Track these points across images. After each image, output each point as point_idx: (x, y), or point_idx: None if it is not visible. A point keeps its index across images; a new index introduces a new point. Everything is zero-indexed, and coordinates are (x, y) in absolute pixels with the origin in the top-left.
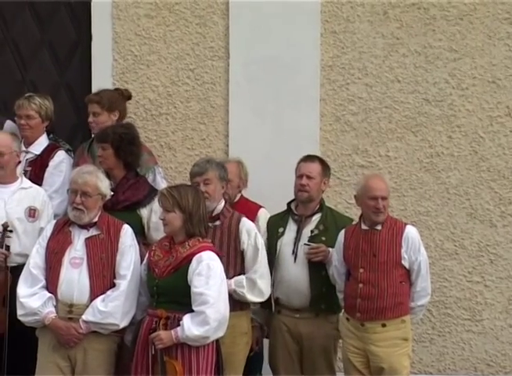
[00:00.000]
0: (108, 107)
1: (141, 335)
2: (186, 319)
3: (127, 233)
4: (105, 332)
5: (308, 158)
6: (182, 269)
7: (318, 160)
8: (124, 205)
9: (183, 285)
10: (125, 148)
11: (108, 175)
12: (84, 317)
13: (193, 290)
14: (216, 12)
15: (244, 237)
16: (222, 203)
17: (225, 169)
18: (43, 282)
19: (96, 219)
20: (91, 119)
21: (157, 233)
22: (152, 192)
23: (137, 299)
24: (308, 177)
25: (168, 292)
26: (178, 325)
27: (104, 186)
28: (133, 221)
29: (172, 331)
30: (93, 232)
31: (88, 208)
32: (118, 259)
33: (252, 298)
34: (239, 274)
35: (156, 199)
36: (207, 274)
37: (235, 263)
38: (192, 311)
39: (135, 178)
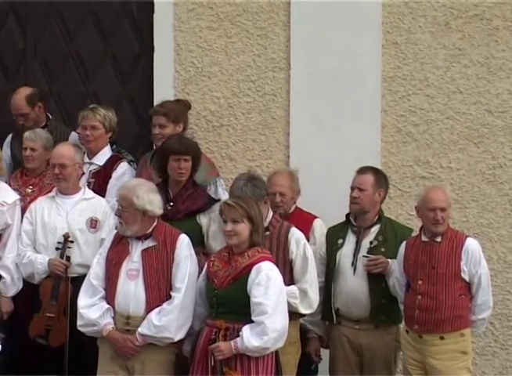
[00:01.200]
0: (174, 119)
1: (200, 346)
2: (246, 330)
3: (183, 243)
4: (161, 344)
5: (361, 170)
6: (241, 279)
7: (370, 172)
8: (185, 214)
9: (243, 295)
10: (199, 160)
11: (166, 187)
12: (139, 330)
13: (252, 300)
14: (277, 23)
15: (293, 247)
16: (271, 214)
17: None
18: (102, 293)
19: (150, 230)
20: (157, 131)
21: (215, 242)
22: (211, 200)
23: (194, 310)
24: (360, 189)
25: (228, 303)
26: (238, 336)
27: (141, 202)
28: (193, 229)
29: (232, 342)
30: (149, 243)
31: (127, 223)
32: (174, 271)
33: (302, 309)
34: (288, 284)
35: (214, 207)
36: (266, 284)
37: (284, 273)
38: (252, 321)
39: (193, 187)
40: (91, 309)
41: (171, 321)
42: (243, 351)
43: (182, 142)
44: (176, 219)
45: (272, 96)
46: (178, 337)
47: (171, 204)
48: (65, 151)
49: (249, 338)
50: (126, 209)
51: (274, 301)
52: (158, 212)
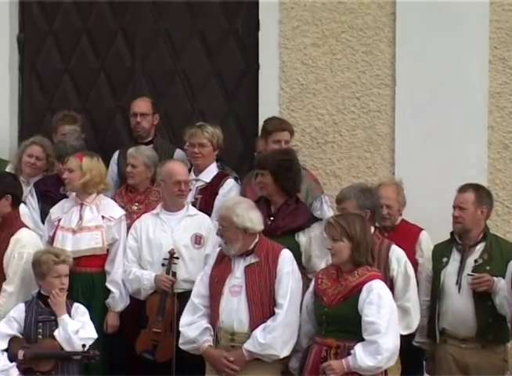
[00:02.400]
0: (292, 135)
1: (309, 364)
2: (358, 349)
3: (285, 258)
4: (268, 360)
5: (461, 188)
6: (352, 298)
7: (471, 190)
8: (283, 231)
9: (353, 314)
10: (283, 175)
11: (268, 202)
12: (245, 346)
13: (364, 319)
14: (383, 40)
15: (394, 265)
16: (371, 230)
17: (366, 197)
18: (203, 311)
19: (252, 246)
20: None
21: (320, 260)
22: (311, 219)
23: (300, 326)
24: (461, 208)
25: (338, 321)
26: (349, 354)
27: (241, 220)
28: (291, 247)
29: (343, 361)
30: (251, 259)
31: (229, 242)
32: (276, 287)
33: (400, 330)
34: None
35: (314, 226)
36: (378, 303)
37: None
38: (363, 340)
39: (295, 204)
40: (190, 328)
41: (275, 338)
42: (355, 370)
43: (263, 156)
44: (275, 236)
45: (377, 113)
46: (283, 354)
47: (272, 219)
48: (185, 169)
49: (362, 358)
50: (227, 229)
51: (386, 320)
52: (259, 229)
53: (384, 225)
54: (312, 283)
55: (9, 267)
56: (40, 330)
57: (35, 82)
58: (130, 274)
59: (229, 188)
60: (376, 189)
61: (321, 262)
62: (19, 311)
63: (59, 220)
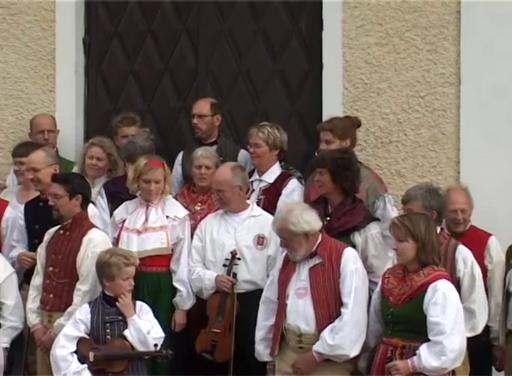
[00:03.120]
0: (340, 135)
1: (376, 364)
2: (423, 350)
3: (348, 256)
4: (338, 361)
5: None
6: (417, 297)
7: None
8: (338, 231)
9: (419, 314)
10: (341, 173)
11: (326, 201)
12: (315, 348)
13: (429, 319)
14: (447, 38)
15: (460, 265)
16: (438, 230)
17: (433, 197)
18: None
19: (315, 248)
20: (323, 147)
21: (378, 260)
22: (367, 218)
23: (368, 325)
24: None
25: (403, 321)
26: (414, 354)
27: (298, 227)
28: None
29: (409, 361)
30: (315, 260)
31: (294, 250)
32: (340, 286)
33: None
34: None
35: (371, 226)
36: (443, 303)
37: None
38: (428, 340)
39: (351, 204)
40: (259, 333)
41: (343, 338)
42: (420, 370)
43: (322, 155)
44: (330, 236)
45: (442, 112)
46: (353, 353)
47: (328, 219)
48: (221, 177)
49: (427, 358)
50: (288, 239)
51: (452, 321)
52: (318, 228)
53: (456, 230)
54: (379, 282)
55: (83, 267)
56: (108, 331)
57: (101, 84)
58: (194, 274)
59: (293, 188)
60: (445, 193)
61: (377, 262)
62: (84, 312)
63: (124, 221)
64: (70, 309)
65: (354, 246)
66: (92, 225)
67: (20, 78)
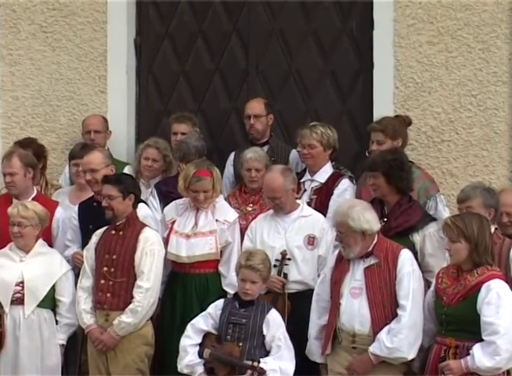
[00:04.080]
0: (392, 135)
1: (429, 364)
2: (477, 350)
3: (404, 258)
4: (395, 363)
5: None
6: (470, 297)
7: None
8: (396, 231)
9: (472, 314)
10: (395, 174)
11: (382, 202)
12: (372, 350)
13: (483, 319)
14: (500, 36)
15: None
16: (492, 229)
17: (491, 195)
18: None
19: (371, 248)
20: (374, 147)
21: (434, 259)
22: (425, 217)
23: (423, 326)
24: None
25: (457, 320)
26: (468, 354)
27: (357, 223)
28: (406, 247)
29: (462, 361)
30: (371, 261)
31: (349, 246)
32: (397, 288)
33: None
34: None
35: (429, 225)
36: (497, 303)
37: None
38: (482, 340)
39: (407, 203)
40: (311, 332)
41: (401, 341)
42: (473, 370)
43: (373, 158)
44: (388, 236)
45: (494, 111)
46: (411, 356)
47: (385, 219)
48: (273, 184)
49: (480, 358)
50: (345, 234)
51: (506, 321)
52: (376, 229)
53: (507, 232)
54: (433, 281)
55: (142, 264)
56: (230, 331)
57: (152, 84)
58: None
59: (344, 188)
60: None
61: (434, 261)
62: (215, 308)
63: (173, 222)
64: (131, 306)
65: (413, 245)
66: (144, 225)
67: (73, 80)
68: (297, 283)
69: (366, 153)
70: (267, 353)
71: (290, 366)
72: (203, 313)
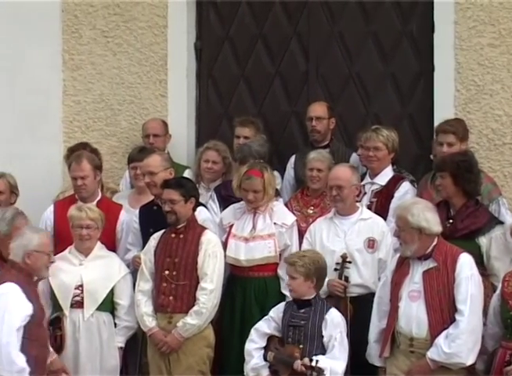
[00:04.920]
0: (462, 137)
1: (494, 368)
2: None
3: (463, 262)
4: (453, 368)
5: None
6: None
7: None
8: (463, 234)
9: None
10: (463, 176)
11: (448, 205)
12: (430, 356)
13: None
14: None
15: None
16: None
17: None
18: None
19: (430, 250)
20: (445, 149)
21: (500, 263)
22: (492, 220)
23: (486, 329)
24: None
25: None
26: None
27: (416, 219)
28: (471, 250)
29: None
30: (430, 264)
31: (405, 243)
32: (455, 292)
33: None
34: None
35: (496, 228)
36: None
37: None
38: None
39: (474, 206)
40: (372, 335)
41: (460, 346)
42: None
43: (442, 159)
44: (454, 238)
45: None
46: (469, 361)
47: (451, 221)
48: (341, 173)
49: None
50: (403, 228)
51: None
52: (435, 230)
53: None
54: (499, 285)
55: (205, 266)
56: (290, 334)
57: (212, 88)
58: None
59: (405, 191)
60: None
61: (499, 264)
62: (277, 311)
63: (231, 226)
64: (195, 308)
65: (479, 248)
66: (204, 227)
67: (133, 84)
68: (358, 287)
69: (431, 156)
70: (325, 353)
71: (341, 366)
72: (266, 317)
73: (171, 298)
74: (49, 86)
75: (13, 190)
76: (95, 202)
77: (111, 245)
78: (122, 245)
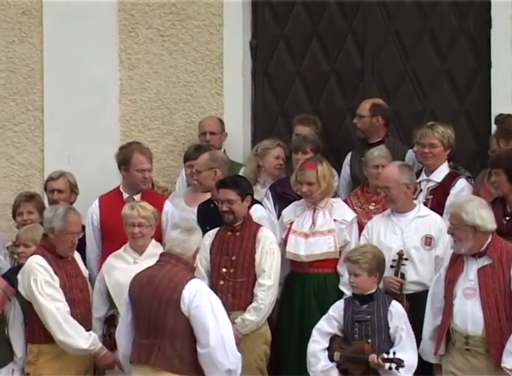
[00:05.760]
0: None
1: None
2: None
3: None
4: None
5: None
6: None
7: None
8: None
9: None
10: None
11: (504, 201)
12: (506, 366)
13: None
14: None
15: None
16: None
17: None
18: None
19: (485, 247)
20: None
21: None
22: None
23: None
24: None
25: None
26: None
27: (470, 217)
28: None
29: None
30: (484, 261)
31: (459, 240)
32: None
33: None
34: None
35: None
36: None
37: None
38: None
39: None
40: (425, 332)
41: None
42: None
43: (496, 155)
44: (511, 235)
45: None
46: None
47: (507, 218)
48: (388, 174)
49: None
50: (457, 226)
51: None
52: (490, 227)
53: None
54: None
55: (262, 263)
56: (356, 330)
57: (267, 86)
58: None
59: (461, 188)
60: None
61: None
62: (337, 309)
63: (291, 223)
64: (254, 304)
65: None
66: (259, 225)
67: (189, 82)
68: (414, 284)
69: (489, 152)
70: (392, 345)
71: (413, 357)
72: (326, 316)
73: (229, 295)
74: (106, 85)
75: (73, 189)
76: (140, 194)
77: (158, 236)
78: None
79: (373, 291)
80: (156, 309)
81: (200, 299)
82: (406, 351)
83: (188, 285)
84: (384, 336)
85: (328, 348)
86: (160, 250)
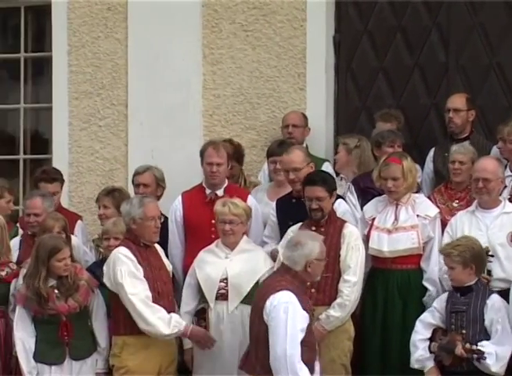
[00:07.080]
0: None
1: None
2: None
3: None
4: None
5: None
6: None
7: None
8: None
9: None
10: None
11: None
12: None
13: None
14: None
15: None
16: None
17: None
18: None
19: None
20: None
21: None
22: None
23: None
24: None
25: None
26: None
27: None
28: None
29: None
30: None
31: None
32: None
33: None
34: None
35: None
36: None
37: None
38: None
39: None
40: None
41: None
42: None
43: None
44: None
45: None
46: None
47: None
48: (488, 166)
49: None
50: None
51: None
52: None
53: None
54: None
55: (348, 259)
56: (453, 321)
57: (350, 81)
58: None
59: None
60: None
61: None
62: (440, 301)
63: (373, 219)
64: (339, 300)
65: None
66: (343, 220)
67: (272, 77)
68: (501, 281)
69: None
70: (489, 338)
71: (507, 351)
72: (430, 309)
73: (313, 290)
74: (189, 80)
75: (159, 183)
76: (222, 189)
77: None
78: (252, 231)
79: (471, 282)
80: (253, 314)
81: (277, 311)
82: (501, 345)
83: (274, 295)
84: (479, 328)
85: (431, 341)
86: (251, 246)
